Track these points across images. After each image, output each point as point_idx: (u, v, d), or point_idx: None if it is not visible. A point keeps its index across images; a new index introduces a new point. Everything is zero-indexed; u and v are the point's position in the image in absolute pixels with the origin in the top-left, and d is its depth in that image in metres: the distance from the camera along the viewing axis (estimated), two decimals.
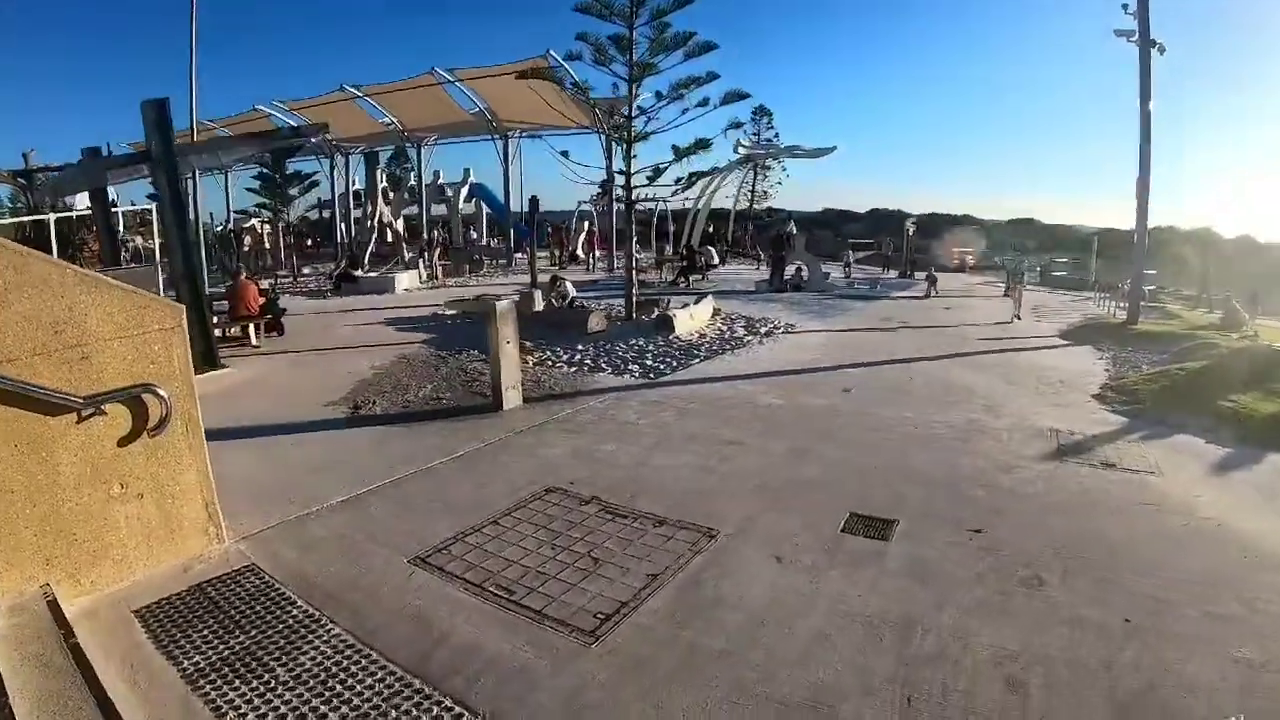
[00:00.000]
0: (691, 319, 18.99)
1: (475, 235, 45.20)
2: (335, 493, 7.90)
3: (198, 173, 49.89)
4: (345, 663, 4.87)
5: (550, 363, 14.92)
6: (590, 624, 5.38)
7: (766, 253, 33.81)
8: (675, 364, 14.87)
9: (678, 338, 17.36)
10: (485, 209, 48.25)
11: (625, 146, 19.46)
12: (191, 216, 52.98)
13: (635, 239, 19.38)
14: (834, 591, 5.89)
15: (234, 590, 5.84)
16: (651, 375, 13.98)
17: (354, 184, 46.71)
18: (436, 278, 32.93)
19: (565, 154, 20.12)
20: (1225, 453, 9.68)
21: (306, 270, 36.86)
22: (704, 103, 18.99)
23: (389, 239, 39.90)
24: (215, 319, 16.67)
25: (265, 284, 22.40)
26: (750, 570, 6.31)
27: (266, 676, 4.72)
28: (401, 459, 9.09)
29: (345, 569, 6.20)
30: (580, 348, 16.06)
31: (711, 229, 47.54)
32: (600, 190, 29.51)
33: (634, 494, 8.06)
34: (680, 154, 18.97)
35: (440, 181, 47.25)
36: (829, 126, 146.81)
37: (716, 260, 34.57)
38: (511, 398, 11.62)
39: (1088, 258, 36.09)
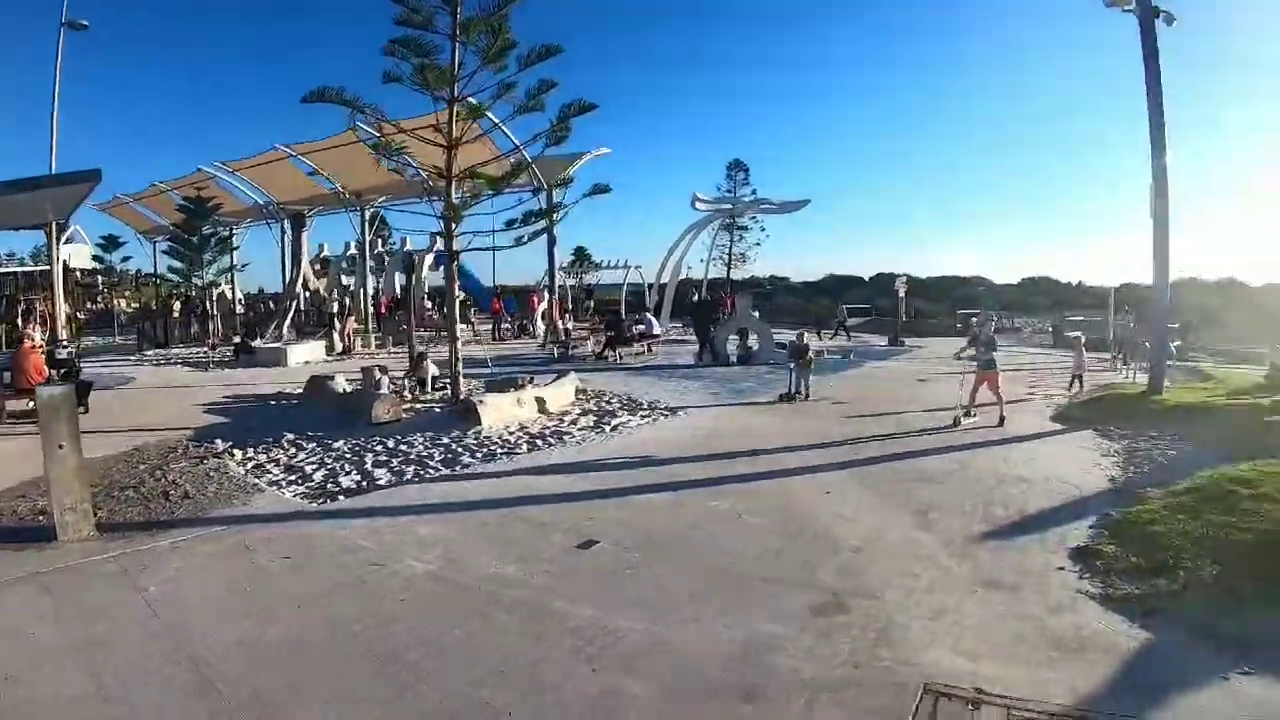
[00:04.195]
0: (518, 405, 13.58)
1: (429, 306, 39.71)
2: None
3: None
4: None
5: (274, 464, 10.85)
6: None
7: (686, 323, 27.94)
8: (411, 473, 10.38)
9: (480, 431, 12.52)
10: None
11: (446, 183, 14.44)
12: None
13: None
14: None
15: None
16: (345, 495, 9.44)
17: (325, 249, 43.75)
18: (350, 349, 28.00)
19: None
20: None
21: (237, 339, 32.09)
22: (560, 131, 14.13)
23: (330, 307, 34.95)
24: None
25: (64, 352, 19.16)
26: None
27: None
28: None
29: None
30: (338, 445, 11.95)
31: (708, 296, 42.16)
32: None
33: None
34: (471, 175, 14.29)
35: (407, 248, 42.02)
36: (825, 187, 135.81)
37: (658, 329, 28.29)
38: (72, 524, 7.84)
39: (1106, 315, 29.91)
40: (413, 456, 11.16)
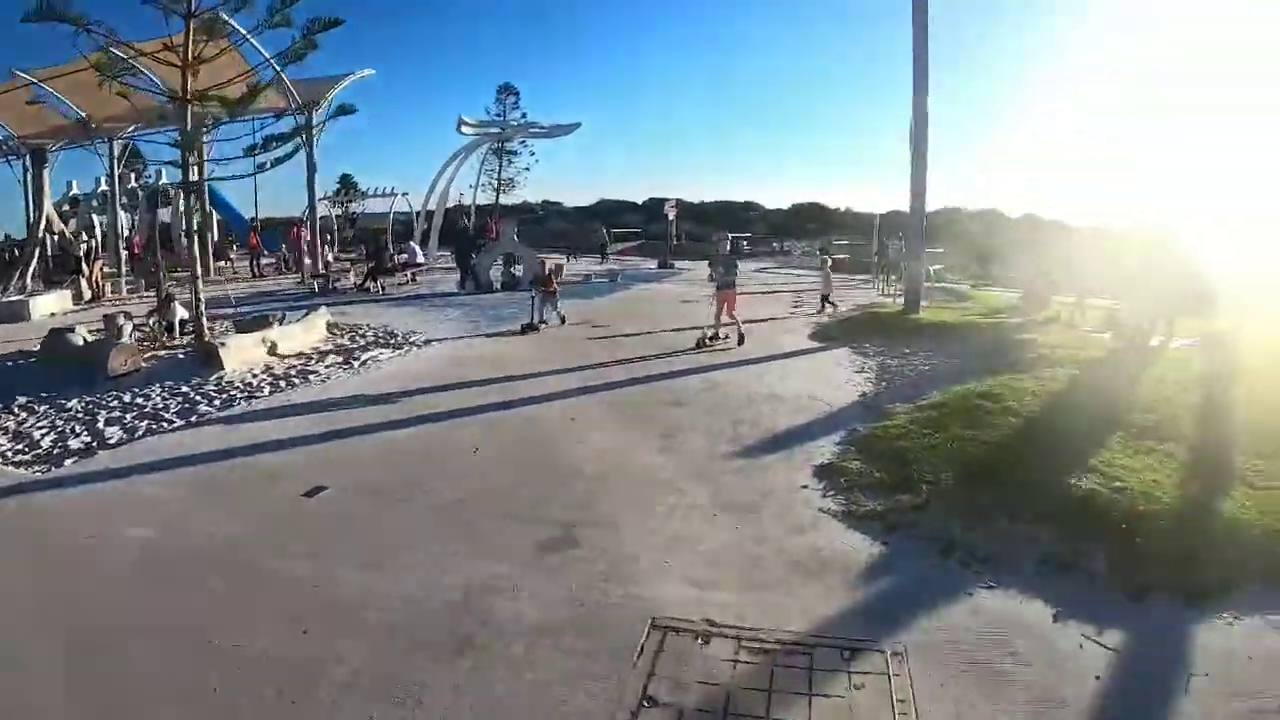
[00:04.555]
0: (263, 345, 12.66)
1: (187, 244, 36.80)
2: None
3: None
4: None
5: (1, 434, 9.04)
6: None
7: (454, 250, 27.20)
8: (144, 428, 9.17)
9: (222, 376, 11.58)
10: (215, 214, 39.91)
11: (182, 107, 13.08)
12: None
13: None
14: None
15: None
16: (72, 459, 8.21)
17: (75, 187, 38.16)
18: (101, 296, 24.84)
19: None
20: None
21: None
22: (304, 48, 13.08)
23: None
24: None
25: None
26: None
27: None
28: None
29: None
30: (71, 404, 10.46)
31: (468, 224, 41.21)
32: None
33: None
34: (201, 97, 12.90)
35: (163, 182, 38.49)
36: (599, 113, 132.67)
37: (421, 258, 27.46)
38: None
39: (870, 240, 31.35)
40: (148, 409, 10.12)
